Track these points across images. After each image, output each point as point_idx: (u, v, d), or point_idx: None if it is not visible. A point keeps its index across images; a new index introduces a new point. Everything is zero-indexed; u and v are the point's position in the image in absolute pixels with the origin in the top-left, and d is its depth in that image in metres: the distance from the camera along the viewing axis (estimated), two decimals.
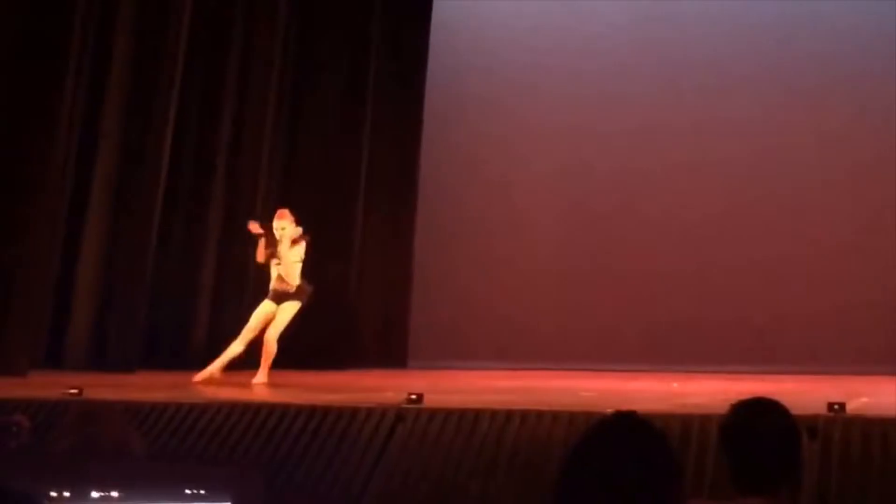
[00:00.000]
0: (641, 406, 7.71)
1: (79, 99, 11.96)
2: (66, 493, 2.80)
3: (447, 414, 7.52)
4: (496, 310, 14.01)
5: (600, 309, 13.81)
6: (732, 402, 3.87)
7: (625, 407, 6.76)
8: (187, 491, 2.72)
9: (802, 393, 8.02)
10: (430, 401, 7.89)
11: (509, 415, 7.39)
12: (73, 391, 8.48)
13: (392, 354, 13.78)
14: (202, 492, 2.68)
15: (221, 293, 12.96)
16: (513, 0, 14.61)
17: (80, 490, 2.82)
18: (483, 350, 13.59)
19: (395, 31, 14.28)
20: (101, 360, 12.00)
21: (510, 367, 12.60)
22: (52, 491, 2.81)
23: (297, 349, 13.04)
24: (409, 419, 7.45)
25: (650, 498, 2.51)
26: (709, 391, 9.29)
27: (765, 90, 13.68)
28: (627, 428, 2.63)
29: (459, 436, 7.25)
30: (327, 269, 13.33)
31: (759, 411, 3.84)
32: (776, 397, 3.87)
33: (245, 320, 12.90)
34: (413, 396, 7.86)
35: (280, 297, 10.63)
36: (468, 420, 7.38)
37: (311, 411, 7.74)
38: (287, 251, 10.56)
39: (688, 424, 6.78)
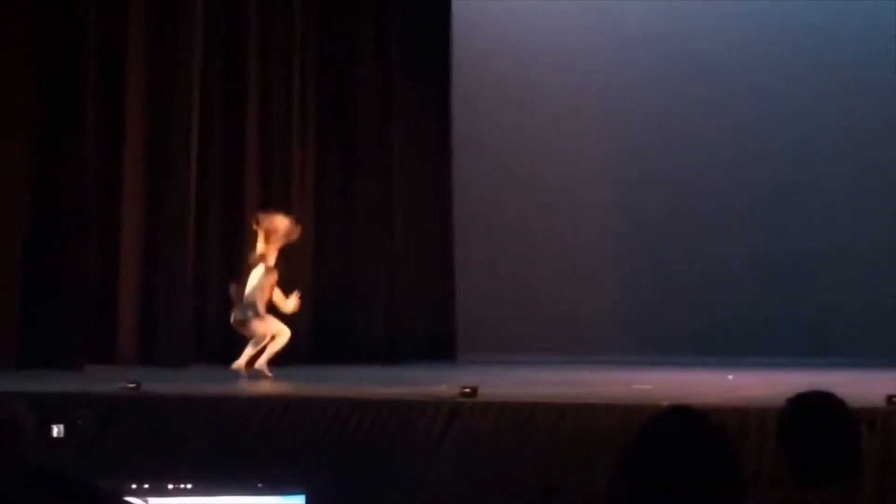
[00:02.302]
0: (697, 399, 7.72)
1: (101, 105, 12.04)
2: (146, 486, 2.87)
3: (502, 407, 7.55)
4: (545, 303, 14.00)
5: (651, 300, 13.78)
6: (789, 396, 3.86)
7: (680, 400, 6.78)
8: (259, 485, 2.77)
9: (859, 385, 7.97)
10: (485, 394, 7.91)
11: (564, 408, 7.40)
12: (131, 385, 8.54)
13: (441, 348, 13.82)
14: (276, 486, 2.73)
15: None
16: None
17: (157, 482, 2.87)
18: (533, 343, 13.59)
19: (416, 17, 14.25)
20: (153, 354, 12.10)
21: (560, 361, 12.59)
22: (133, 483, 2.87)
23: (346, 344, 13.14)
24: (465, 413, 7.48)
25: (710, 492, 2.52)
26: (765, 383, 9.24)
27: (813, 81, 13.61)
28: (684, 422, 2.64)
29: (515, 429, 7.28)
30: (370, 264, 13.41)
31: (816, 404, 3.83)
32: (833, 390, 3.86)
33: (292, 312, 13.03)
34: (467, 390, 7.89)
35: None
36: (523, 413, 7.41)
37: (366, 405, 7.79)
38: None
39: (745, 417, 6.77)
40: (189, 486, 2.89)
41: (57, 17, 11.65)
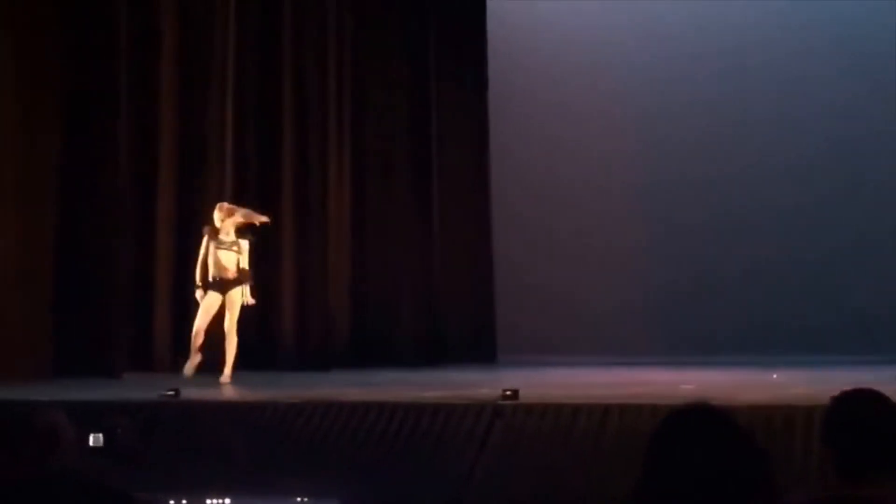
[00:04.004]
0: (743, 398, 7.65)
1: (134, 111, 12.05)
2: (184, 501, 2.84)
3: (544, 409, 7.50)
4: (586, 304, 13.93)
5: (693, 299, 13.69)
6: (834, 394, 3.79)
7: (726, 400, 6.70)
8: (297, 499, 2.73)
9: None
10: (526, 396, 7.86)
11: (607, 409, 7.34)
12: (169, 392, 8.52)
13: (481, 351, 13.78)
14: (310, 499, 2.69)
15: (304, 289, 13.00)
16: None
17: (195, 498, 2.84)
18: (574, 344, 13.53)
19: (453, 19, 14.21)
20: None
21: (601, 362, 12.51)
22: (171, 499, 2.84)
23: (385, 348, 13.12)
24: (507, 415, 7.43)
25: (732, 487, 2.48)
26: (810, 381, 9.16)
27: (855, 78, 13.48)
28: (699, 418, 2.61)
29: (558, 431, 7.22)
30: (409, 268, 13.37)
31: (862, 402, 3.76)
32: (879, 387, 3.79)
33: (332, 315, 12.96)
34: (508, 392, 7.83)
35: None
36: (566, 415, 7.35)
37: (408, 408, 7.74)
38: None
39: (791, 416, 6.70)
40: (227, 500, 2.86)
41: (89, 12, 11.66)
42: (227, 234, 10.45)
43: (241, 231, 10.61)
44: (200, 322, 10.39)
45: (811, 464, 6.13)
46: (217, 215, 10.52)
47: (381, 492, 6.39)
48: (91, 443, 6.29)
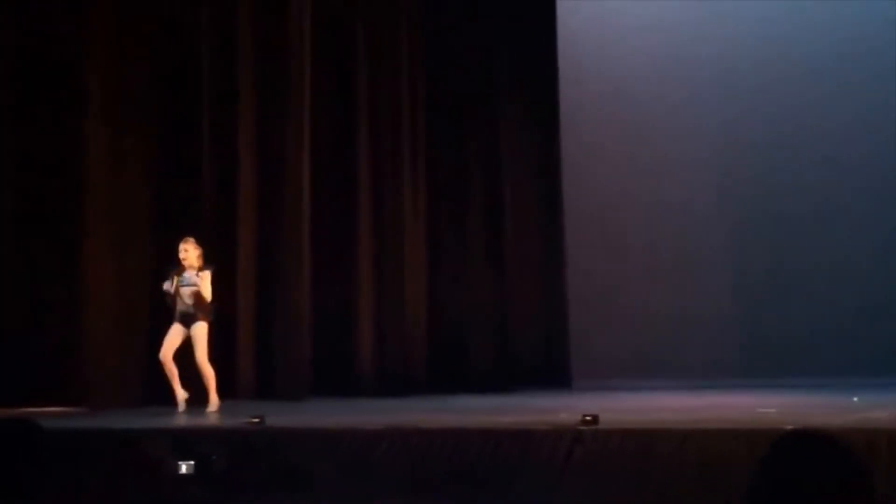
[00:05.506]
0: (823, 421, 7.61)
1: (214, 143, 12.26)
2: None
3: (624, 434, 7.50)
4: (661, 326, 13.88)
5: (772, 321, 13.59)
6: None
7: (806, 423, 6.67)
8: None
9: None
10: (606, 421, 7.87)
11: (688, 434, 7.33)
12: (255, 419, 8.60)
13: (555, 376, 13.79)
14: None
15: (382, 316, 13.11)
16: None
17: None
18: (649, 368, 13.49)
19: (522, 30, 14.29)
20: (270, 388, 12.21)
21: (677, 386, 12.47)
22: None
23: (460, 374, 13.19)
24: (587, 441, 7.44)
25: None
26: (892, 404, 9.08)
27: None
28: (810, 445, 2.63)
29: (639, 456, 7.22)
30: (482, 293, 13.42)
31: None
32: None
33: (409, 341, 13.05)
34: (588, 417, 7.84)
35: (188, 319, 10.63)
36: (646, 440, 7.35)
37: (487, 435, 7.77)
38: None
39: (874, 440, 6.65)
40: None
41: (175, 61, 11.97)
42: (191, 267, 10.55)
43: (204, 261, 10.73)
44: (163, 351, 10.49)
45: None
46: (181, 247, 10.61)
47: None
48: (183, 470, 6.39)
